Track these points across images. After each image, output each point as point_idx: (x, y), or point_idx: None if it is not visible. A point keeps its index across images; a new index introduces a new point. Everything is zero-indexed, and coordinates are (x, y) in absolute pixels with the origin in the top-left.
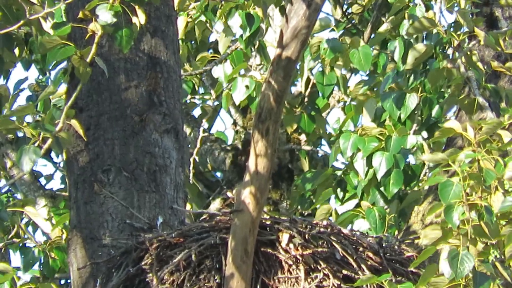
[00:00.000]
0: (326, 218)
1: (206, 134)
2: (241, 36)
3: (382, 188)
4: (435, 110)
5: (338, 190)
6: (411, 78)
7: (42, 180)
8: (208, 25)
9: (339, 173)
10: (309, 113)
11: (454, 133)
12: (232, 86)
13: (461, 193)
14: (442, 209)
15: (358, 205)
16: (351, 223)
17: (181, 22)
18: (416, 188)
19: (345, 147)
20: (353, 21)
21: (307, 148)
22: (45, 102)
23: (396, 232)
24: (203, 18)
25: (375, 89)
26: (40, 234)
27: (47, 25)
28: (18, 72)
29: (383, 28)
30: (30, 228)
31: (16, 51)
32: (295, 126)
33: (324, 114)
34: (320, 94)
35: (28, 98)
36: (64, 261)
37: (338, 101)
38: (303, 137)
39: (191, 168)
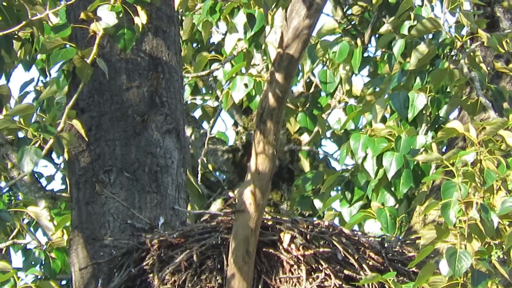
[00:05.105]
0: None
1: (209, 135)
2: (245, 34)
3: (392, 189)
4: (443, 111)
5: (346, 191)
6: (417, 79)
7: (43, 181)
8: (214, 26)
9: (346, 174)
10: (310, 112)
11: (457, 133)
12: (231, 85)
13: (464, 194)
14: (439, 206)
15: (365, 206)
16: (361, 225)
17: (187, 23)
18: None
19: (355, 148)
20: (353, 22)
21: (307, 148)
22: (49, 101)
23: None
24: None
25: (376, 89)
26: (41, 235)
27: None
28: (20, 72)
29: (384, 29)
30: (31, 229)
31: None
32: (297, 126)
33: (325, 115)
34: (324, 94)
35: (34, 100)
36: (65, 262)
37: (339, 102)
38: (303, 138)
39: (199, 169)
